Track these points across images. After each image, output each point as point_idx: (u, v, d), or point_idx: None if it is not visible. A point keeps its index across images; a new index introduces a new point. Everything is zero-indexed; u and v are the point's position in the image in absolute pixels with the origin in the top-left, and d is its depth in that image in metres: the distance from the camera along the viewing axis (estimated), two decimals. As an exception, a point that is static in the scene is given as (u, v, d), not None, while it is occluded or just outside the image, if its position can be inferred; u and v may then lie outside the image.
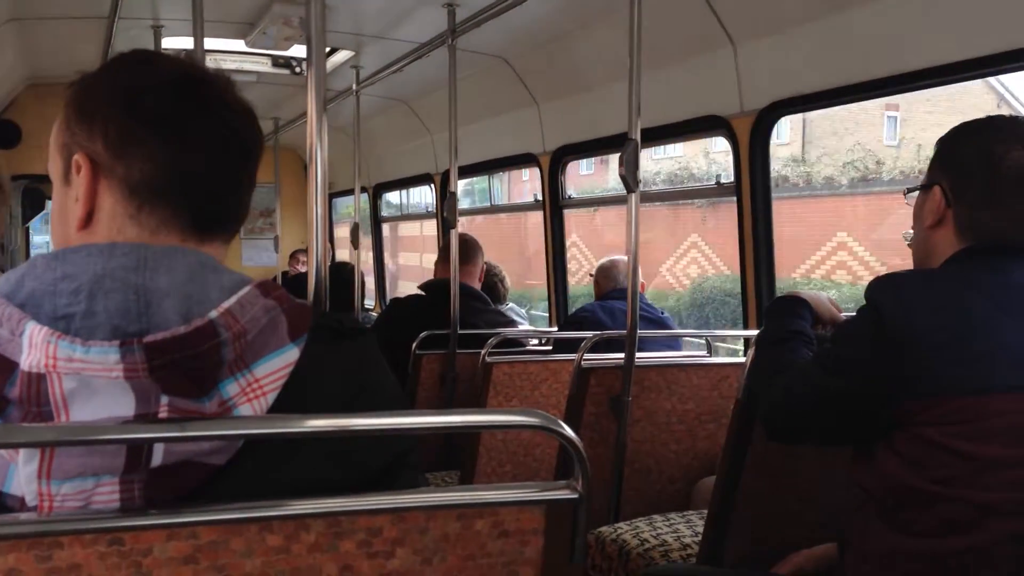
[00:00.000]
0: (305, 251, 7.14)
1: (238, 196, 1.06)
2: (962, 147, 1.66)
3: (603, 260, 3.85)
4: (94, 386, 0.86)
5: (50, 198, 1.10)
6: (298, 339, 0.96)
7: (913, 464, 1.53)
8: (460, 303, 3.57)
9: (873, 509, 1.60)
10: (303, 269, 7.07)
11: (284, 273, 7.07)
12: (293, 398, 0.94)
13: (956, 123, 1.70)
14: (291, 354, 0.95)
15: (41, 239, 8.91)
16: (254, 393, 0.92)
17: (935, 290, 1.57)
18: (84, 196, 0.99)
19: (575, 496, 1.00)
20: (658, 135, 3.58)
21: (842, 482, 1.71)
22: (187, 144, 1.00)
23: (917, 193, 1.75)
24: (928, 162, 1.75)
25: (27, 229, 7.69)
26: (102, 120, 0.99)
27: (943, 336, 1.50)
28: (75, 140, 1.01)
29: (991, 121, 1.71)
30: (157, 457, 0.87)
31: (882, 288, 1.62)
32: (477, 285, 4.00)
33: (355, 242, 4.92)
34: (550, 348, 3.76)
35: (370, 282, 7.40)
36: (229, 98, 1.05)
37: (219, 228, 1.04)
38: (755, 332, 2.99)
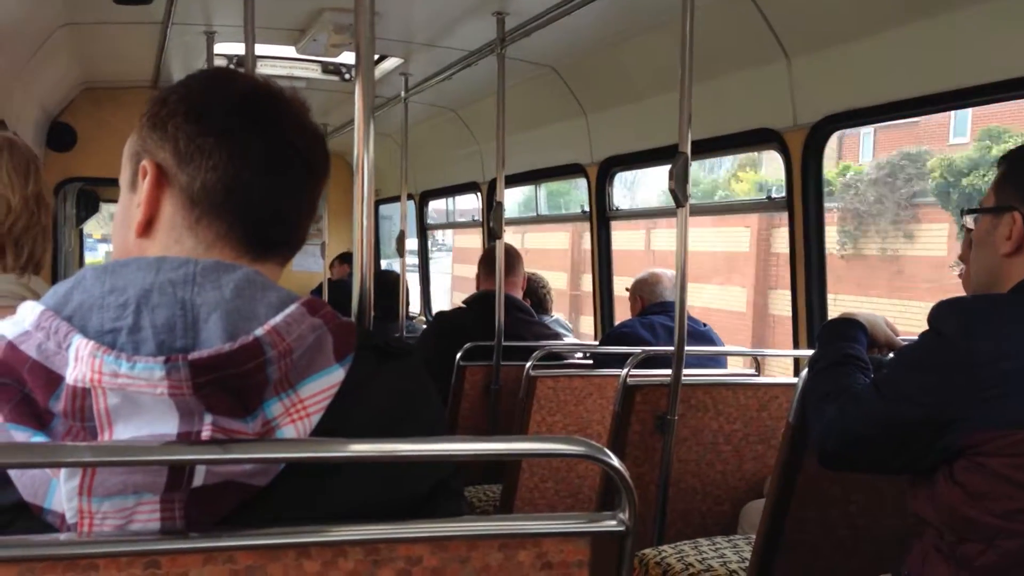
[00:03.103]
0: (341, 257, 7.25)
1: (297, 217, 1.06)
2: None
3: (642, 274, 3.78)
4: (138, 403, 0.86)
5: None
6: (344, 359, 0.94)
7: (976, 496, 1.47)
8: (505, 315, 3.55)
9: (932, 541, 1.54)
10: (335, 277, 7.12)
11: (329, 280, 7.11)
12: (337, 419, 0.93)
13: None
14: (336, 375, 0.93)
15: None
16: (298, 414, 0.91)
17: (1004, 317, 1.51)
18: (146, 201, 1.00)
19: (622, 528, 0.96)
20: (708, 147, 3.53)
21: (893, 512, 1.66)
22: (250, 158, 1.00)
23: (979, 217, 1.68)
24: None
25: (81, 231, 7.82)
26: (173, 128, 1.00)
27: (1011, 365, 1.44)
28: (145, 148, 1.02)
29: None
30: (199, 477, 0.86)
31: (947, 314, 1.56)
32: (519, 295, 3.98)
33: (400, 250, 4.92)
34: (590, 362, 3.72)
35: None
36: (300, 119, 1.05)
37: (275, 248, 1.04)
38: (805, 352, 2.95)
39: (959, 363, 1.48)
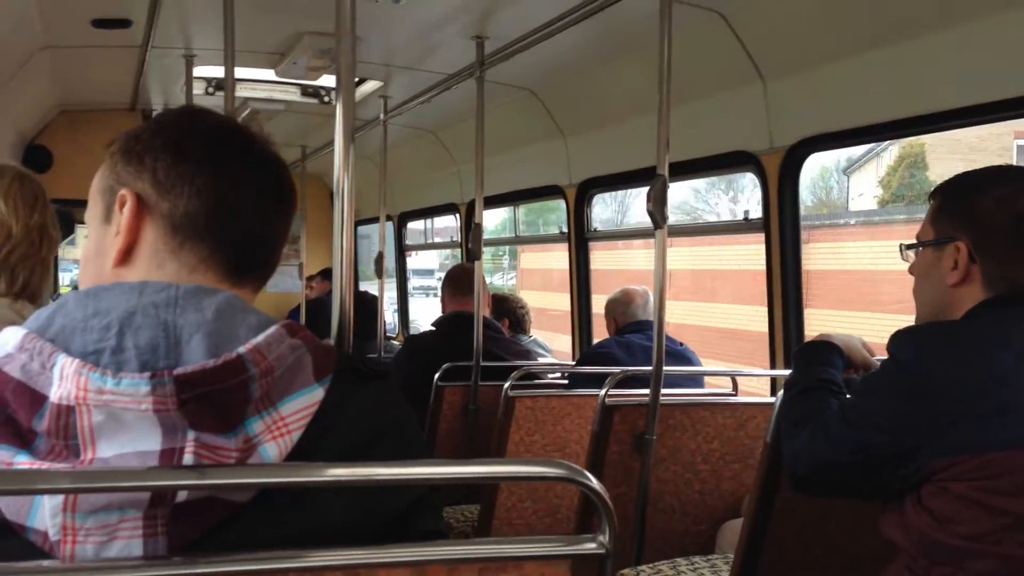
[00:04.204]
0: (315, 277, 7.24)
1: (273, 242, 1.09)
2: (980, 200, 1.62)
3: (614, 293, 3.76)
4: (122, 420, 0.87)
5: (79, 222, 1.12)
6: (323, 379, 0.97)
7: (943, 520, 1.49)
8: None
9: (905, 564, 1.56)
10: (313, 295, 7.11)
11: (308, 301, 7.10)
12: (317, 437, 0.95)
13: None
14: (316, 394, 0.96)
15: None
16: (279, 431, 0.93)
17: (958, 344, 1.54)
18: (126, 230, 1.02)
19: (602, 551, 0.97)
20: (686, 170, 3.56)
21: (871, 531, 1.67)
22: (231, 184, 1.04)
23: (919, 249, 1.71)
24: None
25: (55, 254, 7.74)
26: (151, 159, 1.03)
27: (967, 390, 1.46)
28: (120, 180, 1.04)
29: (1005, 172, 1.68)
30: (182, 493, 0.87)
31: (903, 342, 1.59)
32: (487, 314, 3.97)
33: (379, 271, 4.92)
34: (566, 382, 3.72)
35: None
36: (269, 151, 1.10)
37: (253, 272, 1.07)
38: (782, 372, 2.97)
39: (918, 391, 1.50)
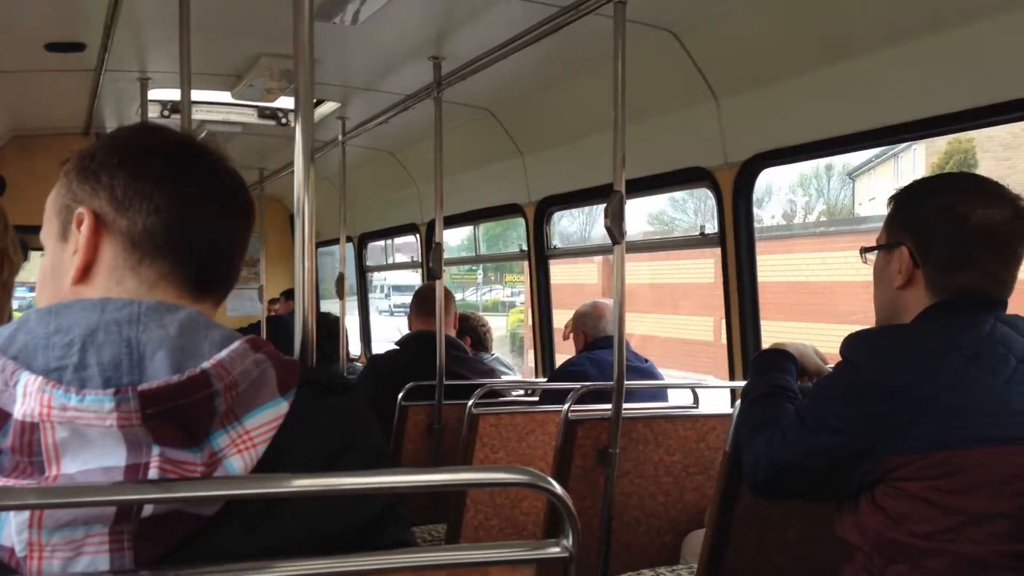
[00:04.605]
0: (278, 299, 7.19)
1: (233, 257, 1.09)
2: (925, 207, 1.68)
3: (583, 307, 3.68)
4: (86, 436, 0.87)
5: (33, 249, 1.12)
6: (287, 393, 0.98)
7: (897, 519, 1.53)
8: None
9: (861, 564, 1.59)
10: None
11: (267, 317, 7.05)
12: (282, 450, 0.95)
13: None
14: (281, 407, 0.97)
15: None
16: (244, 444, 0.93)
17: (908, 346, 1.58)
18: (84, 247, 1.02)
19: (566, 555, 0.99)
20: (643, 186, 3.61)
21: (830, 537, 1.70)
22: (190, 199, 1.04)
23: (876, 252, 1.76)
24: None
25: (9, 279, 7.61)
26: (108, 176, 1.03)
27: (918, 392, 1.51)
28: (76, 198, 1.04)
29: (952, 179, 1.74)
30: (147, 508, 0.88)
31: (856, 345, 1.63)
32: (453, 333, 3.99)
33: (340, 292, 4.91)
34: (536, 399, 3.73)
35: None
36: (227, 166, 1.10)
37: (214, 287, 1.07)
38: (740, 383, 3.01)
39: (870, 392, 1.54)
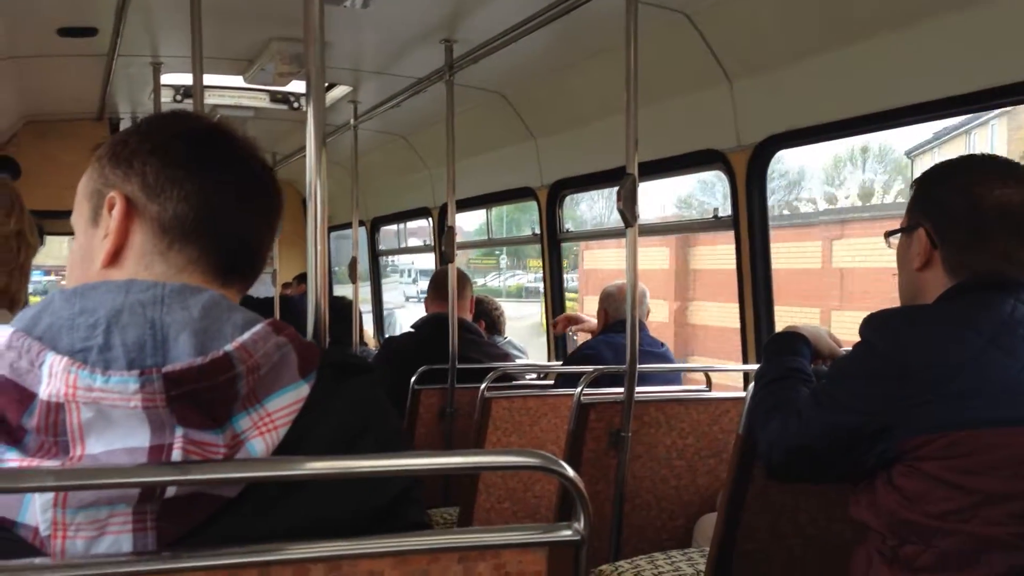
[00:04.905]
0: (291, 283, 7.20)
1: (260, 244, 1.11)
2: (942, 189, 1.68)
3: (611, 287, 3.72)
4: (110, 417, 0.88)
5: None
6: (308, 375, 0.99)
7: (912, 499, 1.53)
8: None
9: (874, 545, 1.59)
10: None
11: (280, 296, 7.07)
12: (302, 432, 0.96)
13: None
14: (302, 390, 0.98)
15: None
16: (266, 427, 0.94)
17: (927, 327, 1.58)
18: (116, 231, 1.03)
19: (577, 538, 0.99)
20: (655, 169, 3.60)
21: (842, 519, 1.70)
22: (220, 187, 1.06)
23: (899, 235, 1.76)
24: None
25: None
26: (140, 163, 1.04)
27: (936, 372, 1.50)
28: (108, 183, 1.06)
29: (969, 160, 1.73)
30: (170, 489, 0.89)
31: (875, 325, 1.63)
32: (469, 317, 4.00)
33: (353, 276, 4.93)
34: (550, 383, 3.73)
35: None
36: (256, 154, 1.12)
37: (240, 274, 1.09)
38: (754, 367, 3.00)
39: (889, 372, 1.54)
